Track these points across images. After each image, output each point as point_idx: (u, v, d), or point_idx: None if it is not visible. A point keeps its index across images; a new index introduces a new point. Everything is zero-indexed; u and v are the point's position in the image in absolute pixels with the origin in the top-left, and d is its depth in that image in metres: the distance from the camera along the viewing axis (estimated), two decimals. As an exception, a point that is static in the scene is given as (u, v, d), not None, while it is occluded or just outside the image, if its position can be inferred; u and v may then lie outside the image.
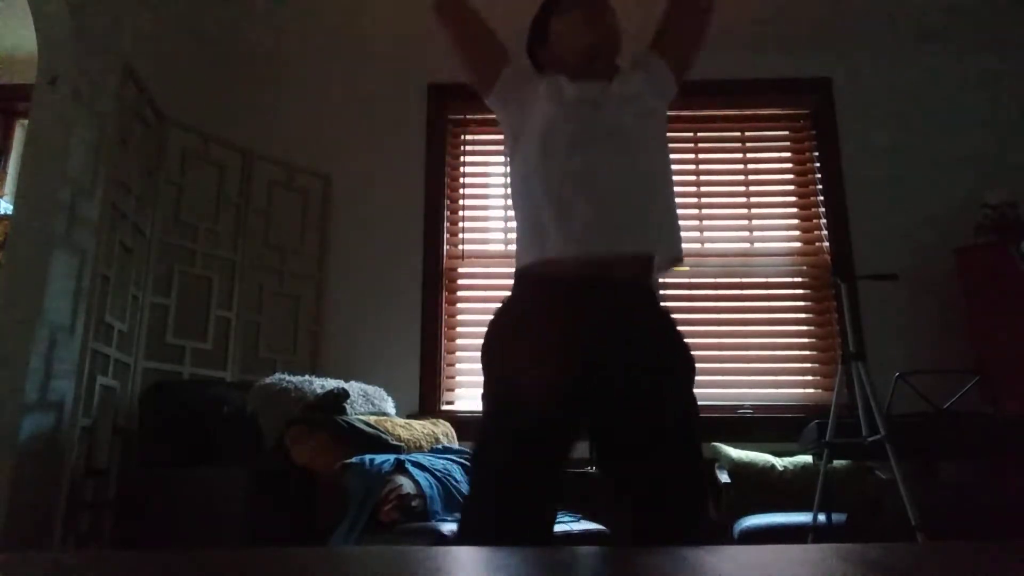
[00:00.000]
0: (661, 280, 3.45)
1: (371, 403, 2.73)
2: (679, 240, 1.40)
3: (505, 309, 1.38)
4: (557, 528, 2.15)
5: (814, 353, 3.33)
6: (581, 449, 2.50)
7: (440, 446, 2.61)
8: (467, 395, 3.29)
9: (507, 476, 1.23)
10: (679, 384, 1.31)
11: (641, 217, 1.34)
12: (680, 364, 1.33)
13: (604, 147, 1.36)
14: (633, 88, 1.46)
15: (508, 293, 1.40)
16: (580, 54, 1.49)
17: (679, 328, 1.36)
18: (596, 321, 1.27)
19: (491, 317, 1.39)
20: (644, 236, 1.34)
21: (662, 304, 1.40)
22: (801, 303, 3.40)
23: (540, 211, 1.34)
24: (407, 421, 2.72)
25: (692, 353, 1.35)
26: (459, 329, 3.38)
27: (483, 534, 1.20)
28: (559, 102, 1.41)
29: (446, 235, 3.47)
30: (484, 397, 1.32)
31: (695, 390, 1.32)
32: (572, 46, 1.50)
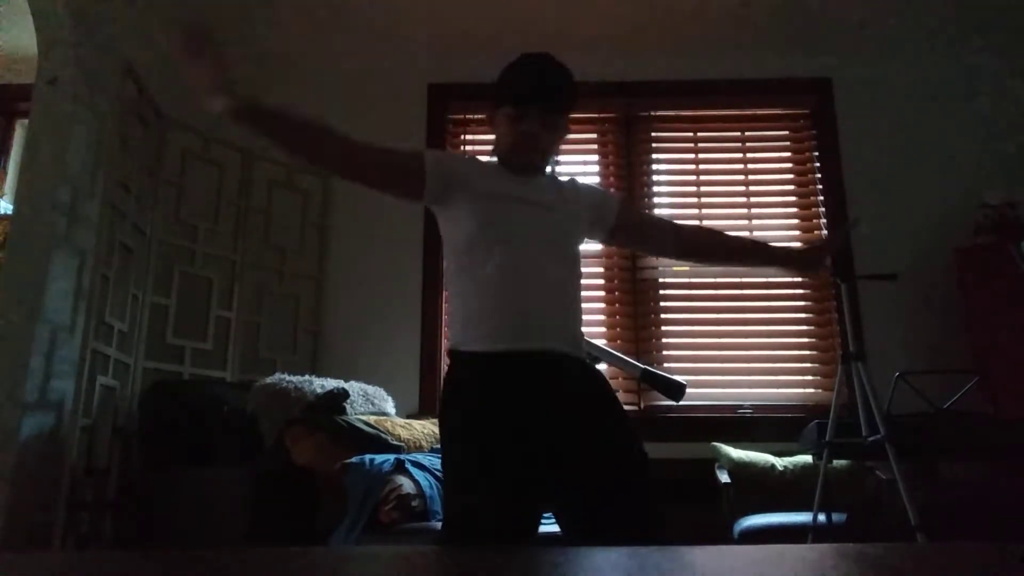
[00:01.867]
0: (662, 280, 3.46)
1: (371, 403, 2.73)
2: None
3: (447, 384, 1.39)
4: (551, 528, 2.16)
5: (814, 353, 3.33)
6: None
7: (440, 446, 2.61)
8: (467, 395, 3.28)
9: (479, 526, 1.21)
10: (614, 423, 1.36)
11: (567, 322, 1.42)
12: (609, 407, 1.38)
13: (538, 246, 1.40)
14: (574, 200, 1.51)
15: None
16: (521, 153, 1.48)
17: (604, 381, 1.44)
18: (525, 389, 1.30)
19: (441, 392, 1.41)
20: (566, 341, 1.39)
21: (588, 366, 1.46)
22: (801, 303, 3.40)
23: (471, 300, 1.38)
24: (407, 421, 2.72)
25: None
26: (459, 329, 3.38)
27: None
28: (496, 196, 1.44)
29: (446, 235, 3.47)
30: (443, 463, 1.35)
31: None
32: (515, 142, 1.48)
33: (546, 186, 1.52)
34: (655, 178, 3.56)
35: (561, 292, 1.41)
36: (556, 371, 1.34)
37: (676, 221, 1.63)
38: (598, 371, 1.46)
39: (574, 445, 1.28)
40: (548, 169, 1.60)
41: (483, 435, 1.26)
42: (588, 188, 1.61)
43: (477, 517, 1.21)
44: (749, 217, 3.51)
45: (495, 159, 1.55)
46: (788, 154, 3.61)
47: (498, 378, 1.31)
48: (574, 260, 1.48)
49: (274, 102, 1.40)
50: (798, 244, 3.48)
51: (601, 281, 3.46)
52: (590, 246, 3.50)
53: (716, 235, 1.73)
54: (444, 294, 3.39)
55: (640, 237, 1.65)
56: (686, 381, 2.45)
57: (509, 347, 1.32)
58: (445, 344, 3.06)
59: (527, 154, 1.49)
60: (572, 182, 1.59)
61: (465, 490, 1.25)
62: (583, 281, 1.52)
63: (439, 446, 2.60)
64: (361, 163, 1.45)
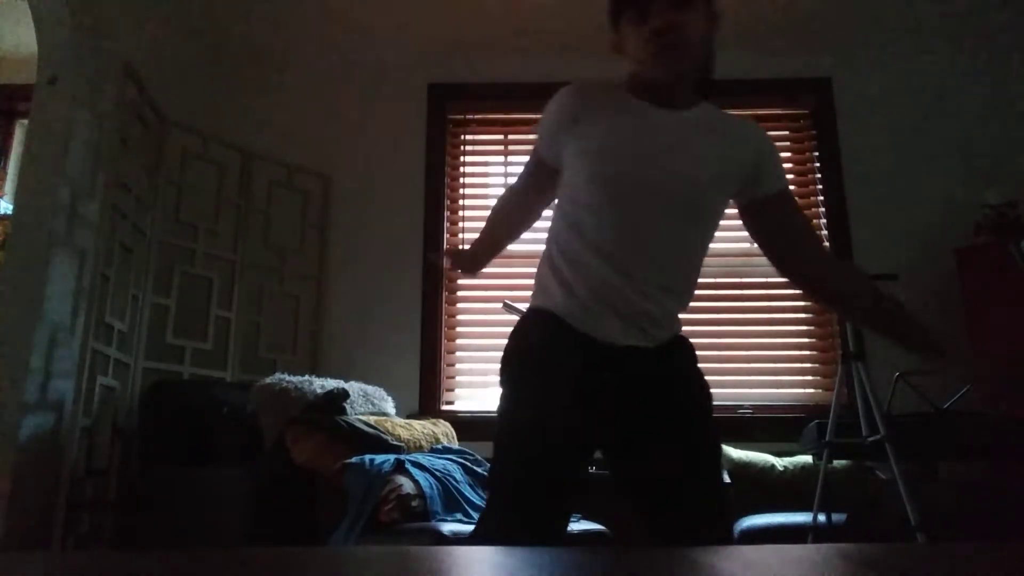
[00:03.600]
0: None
1: (371, 403, 2.73)
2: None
3: (522, 334, 1.30)
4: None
5: (814, 353, 3.33)
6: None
7: (440, 446, 2.61)
8: (467, 395, 3.29)
9: (522, 490, 1.18)
10: (702, 409, 1.28)
11: (671, 319, 1.30)
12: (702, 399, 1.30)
13: (663, 212, 1.21)
14: (729, 144, 1.27)
15: (511, 296, 1.39)
16: (663, 60, 1.20)
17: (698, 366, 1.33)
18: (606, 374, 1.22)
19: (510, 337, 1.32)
20: (663, 332, 1.28)
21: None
22: (801, 303, 3.40)
23: (563, 267, 1.25)
24: (407, 421, 2.72)
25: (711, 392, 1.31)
26: (459, 329, 3.38)
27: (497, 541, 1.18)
28: (621, 135, 1.23)
29: (446, 235, 3.47)
30: (500, 415, 1.26)
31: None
32: (641, 60, 1.23)
33: (697, 121, 1.25)
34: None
35: (673, 271, 1.25)
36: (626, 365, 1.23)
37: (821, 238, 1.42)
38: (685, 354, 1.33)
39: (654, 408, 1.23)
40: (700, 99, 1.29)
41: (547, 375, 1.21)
42: (756, 133, 1.31)
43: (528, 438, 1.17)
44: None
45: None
46: (788, 154, 3.61)
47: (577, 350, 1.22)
48: (706, 226, 1.27)
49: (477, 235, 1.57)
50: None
51: (601, 281, 3.45)
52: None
53: (842, 277, 1.40)
54: (444, 293, 3.39)
55: (777, 231, 1.35)
56: (686, 381, 2.47)
57: (588, 331, 1.22)
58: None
59: (671, 59, 1.19)
60: (734, 121, 1.31)
61: (518, 425, 1.21)
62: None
63: (439, 446, 2.61)
64: (537, 201, 1.43)
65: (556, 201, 1.34)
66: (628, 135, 1.23)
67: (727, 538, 1.29)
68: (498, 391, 1.28)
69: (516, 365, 1.26)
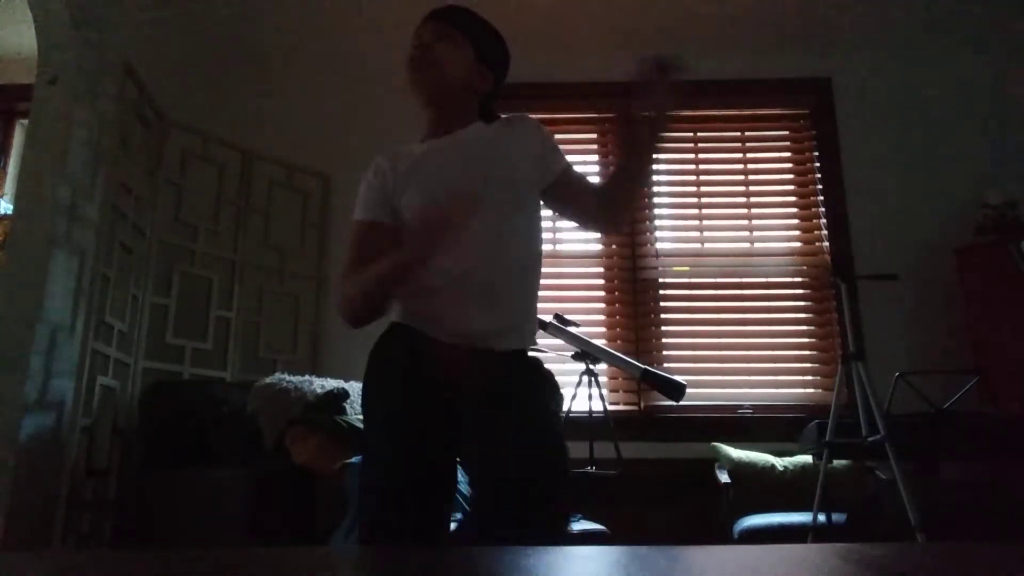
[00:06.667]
0: (662, 280, 3.46)
1: (371, 403, 2.72)
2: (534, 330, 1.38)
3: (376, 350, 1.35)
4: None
5: (814, 353, 3.33)
6: (581, 449, 2.50)
7: (440, 446, 2.61)
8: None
9: (390, 477, 1.22)
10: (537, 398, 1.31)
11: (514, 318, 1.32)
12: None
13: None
14: (511, 147, 1.35)
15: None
16: (416, 80, 1.36)
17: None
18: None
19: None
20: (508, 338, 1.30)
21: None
22: (801, 303, 3.40)
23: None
24: (407, 421, 2.71)
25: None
26: (459, 329, 3.37)
27: (377, 533, 1.20)
28: (419, 168, 1.33)
29: (446, 235, 3.46)
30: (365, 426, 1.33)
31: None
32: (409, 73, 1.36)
33: (476, 135, 1.37)
34: (655, 178, 3.56)
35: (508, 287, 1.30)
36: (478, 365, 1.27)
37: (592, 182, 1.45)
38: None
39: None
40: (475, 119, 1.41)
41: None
42: (525, 128, 1.40)
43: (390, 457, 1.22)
44: (749, 217, 3.51)
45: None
46: (788, 154, 3.61)
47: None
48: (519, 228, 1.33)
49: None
50: (797, 245, 3.48)
51: (601, 281, 3.45)
52: (591, 245, 3.50)
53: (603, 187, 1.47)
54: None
55: (572, 198, 1.43)
56: (686, 381, 2.47)
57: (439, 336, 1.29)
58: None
59: (423, 78, 1.34)
60: (507, 123, 1.41)
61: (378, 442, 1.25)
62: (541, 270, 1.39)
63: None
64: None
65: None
66: (424, 175, 1.33)
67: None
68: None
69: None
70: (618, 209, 1.43)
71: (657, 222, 3.51)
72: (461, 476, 2.31)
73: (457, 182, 1.30)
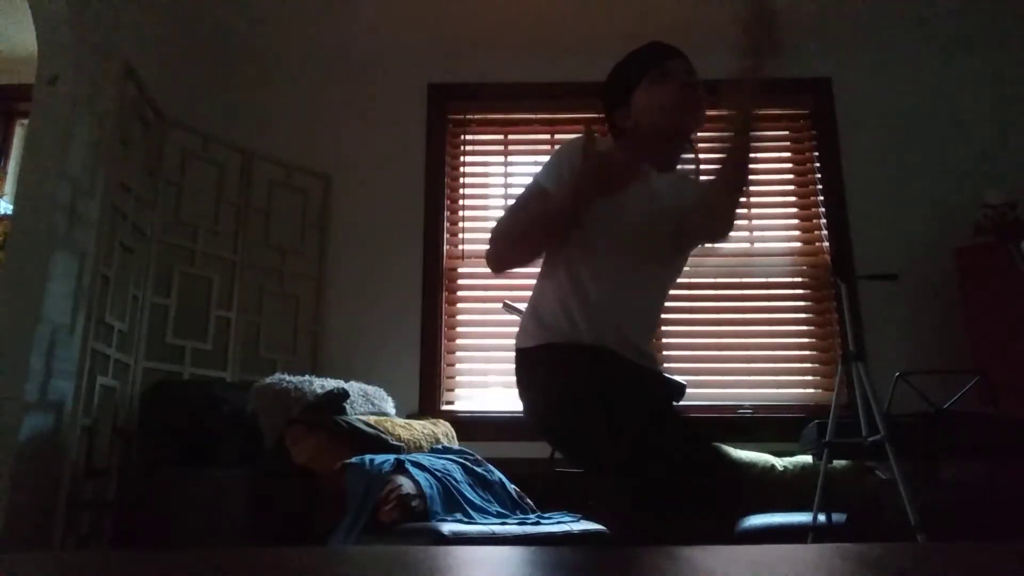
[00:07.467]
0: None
1: (371, 403, 2.73)
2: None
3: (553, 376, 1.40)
4: (557, 528, 2.16)
5: (814, 353, 3.33)
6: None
7: (440, 446, 2.61)
8: (467, 395, 3.29)
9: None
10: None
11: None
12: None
13: (649, 262, 1.42)
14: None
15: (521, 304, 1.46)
16: (665, 138, 1.45)
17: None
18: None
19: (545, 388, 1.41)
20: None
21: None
22: (801, 303, 3.40)
23: (569, 298, 1.40)
24: (407, 421, 2.72)
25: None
26: (459, 329, 3.38)
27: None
28: (646, 198, 1.40)
29: (446, 235, 3.47)
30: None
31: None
32: (658, 125, 1.43)
33: (667, 185, 1.47)
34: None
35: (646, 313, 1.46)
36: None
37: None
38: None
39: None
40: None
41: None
42: (688, 185, 1.53)
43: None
44: (749, 217, 3.51)
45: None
46: (788, 154, 3.61)
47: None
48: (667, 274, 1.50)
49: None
50: (797, 245, 3.48)
51: (601, 281, 3.45)
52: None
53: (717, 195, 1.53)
54: (444, 293, 3.39)
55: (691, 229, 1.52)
56: (686, 381, 2.47)
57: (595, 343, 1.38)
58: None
59: (696, 108, 1.41)
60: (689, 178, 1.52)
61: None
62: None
63: (439, 446, 2.61)
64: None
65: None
66: (633, 196, 1.39)
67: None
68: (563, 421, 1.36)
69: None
70: (727, 219, 1.49)
71: (657, 222, 3.51)
72: (461, 477, 2.32)
73: (644, 228, 1.42)
